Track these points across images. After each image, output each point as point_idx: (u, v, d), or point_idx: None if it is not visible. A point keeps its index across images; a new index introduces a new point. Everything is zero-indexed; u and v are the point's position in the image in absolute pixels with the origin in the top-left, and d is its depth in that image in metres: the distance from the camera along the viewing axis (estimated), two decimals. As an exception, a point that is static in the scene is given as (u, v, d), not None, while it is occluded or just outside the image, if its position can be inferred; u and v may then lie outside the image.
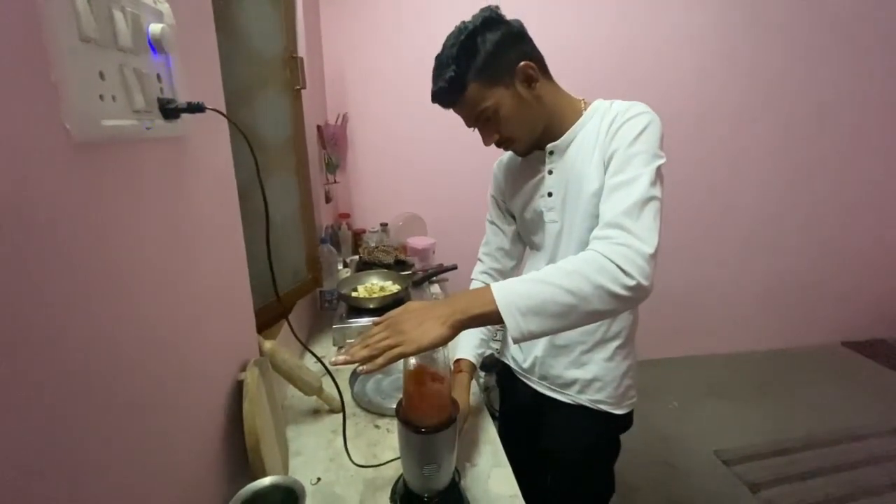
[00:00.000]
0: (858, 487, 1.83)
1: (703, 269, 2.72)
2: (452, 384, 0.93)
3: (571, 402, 0.95)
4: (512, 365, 1.08)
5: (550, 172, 0.88)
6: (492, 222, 1.06)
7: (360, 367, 0.62)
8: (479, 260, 1.10)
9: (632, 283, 0.62)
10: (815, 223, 2.73)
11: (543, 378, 0.99)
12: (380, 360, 0.61)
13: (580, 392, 0.94)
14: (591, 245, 0.68)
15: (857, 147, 2.63)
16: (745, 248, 2.72)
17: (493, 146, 0.88)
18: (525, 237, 1.02)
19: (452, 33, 0.78)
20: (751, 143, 2.54)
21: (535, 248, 0.98)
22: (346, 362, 0.63)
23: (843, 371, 2.68)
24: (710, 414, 2.31)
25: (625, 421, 0.97)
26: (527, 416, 1.04)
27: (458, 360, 0.98)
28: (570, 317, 0.63)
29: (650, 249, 0.64)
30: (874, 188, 2.72)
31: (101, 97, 0.40)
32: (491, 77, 0.78)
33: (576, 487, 1.00)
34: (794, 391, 2.49)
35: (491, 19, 0.77)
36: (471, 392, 0.96)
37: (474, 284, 1.08)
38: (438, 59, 0.80)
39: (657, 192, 0.70)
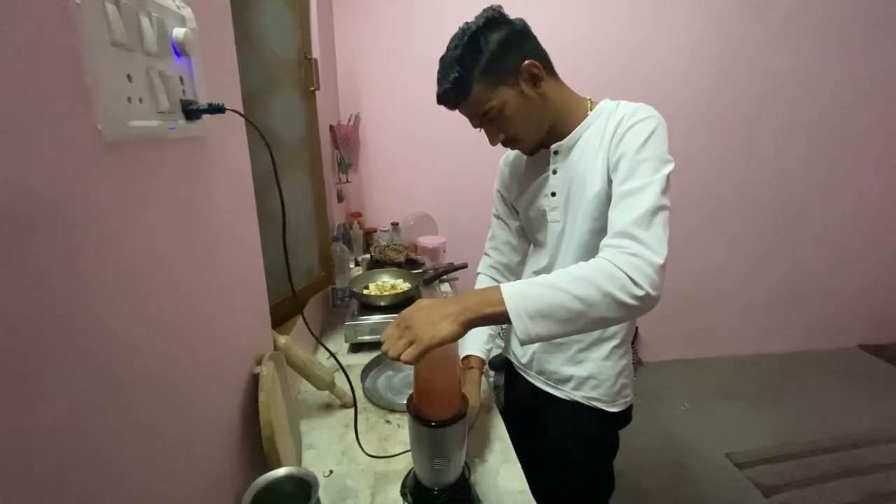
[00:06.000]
0: (874, 492, 1.80)
1: (716, 269, 2.70)
2: (463, 380, 0.94)
3: (566, 398, 0.96)
4: (512, 360, 1.09)
5: (555, 172, 0.88)
6: (498, 217, 1.07)
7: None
8: (486, 254, 1.11)
9: (640, 293, 0.63)
10: (832, 223, 2.69)
11: (541, 373, 1.00)
12: (394, 357, 0.63)
13: (575, 389, 0.95)
14: (601, 253, 0.69)
15: (874, 147, 2.58)
16: (760, 248, 2.69)
17: (499, 145, 0.89)
18: (528, 234, 1.03)
19: (456, 35, 0.79)
20: (765, 143, 2.51)
21: (538, 245, 0.99)
22: None
23: (860, 374, 2.64)
24: (723, 416, 2.29)
25: (621, 418, 0.97)
26: (526, 411, 1.05)
27: (467, 357, 0.99)
28: (577, 322, 0.64)
29: (660, 260, 0.65)
30: (893, 188, 2.66)
31: (128, 99, 0.42)
32: (495, 77, 0.78)
33: (573, 483, 1.01)
34: (808, 394, 2.45)
35: (494, 19, 0.77)
36: (481, 388, 0.97)
37: (480, 279, 1.10)
38: (442, 60, 0.81)
39: (666, 200, 0.71)
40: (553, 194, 0.89)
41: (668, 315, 2.52)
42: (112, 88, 0.39)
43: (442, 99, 0.83)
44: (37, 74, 0.32)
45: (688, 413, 2.33)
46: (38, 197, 0.32)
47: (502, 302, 0.64)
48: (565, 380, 0.95)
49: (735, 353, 2.83)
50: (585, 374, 0.93)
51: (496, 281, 1.07)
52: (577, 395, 0.95)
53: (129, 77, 0.42)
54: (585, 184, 0.82)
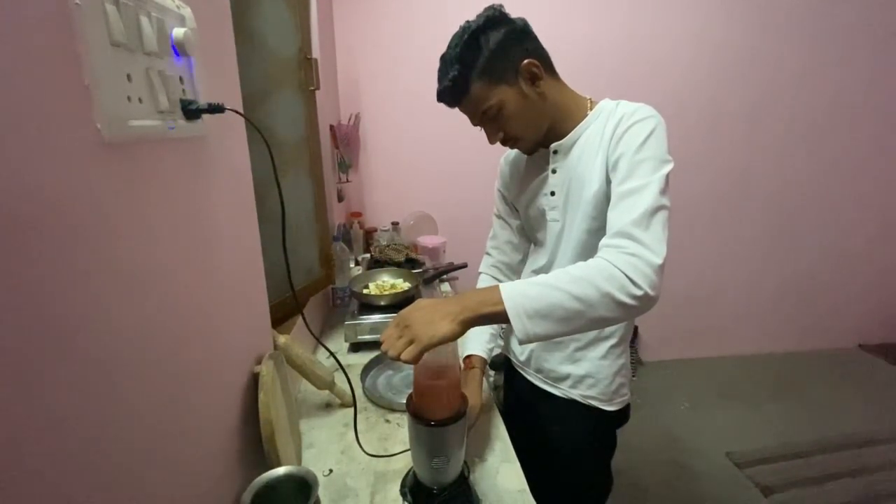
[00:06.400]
0: (873, 492, 1.80)
1: (716, 269, 2.70)
2: (465, 380, 0.95)
3: (564, 395, 0.97)
4: (511, 358, 1.10)
5: (554, 171, 0.89)
6: (499, 216, 1.08)
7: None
8: (487, 253, 1.11)
9: (639, 293, 0.63)
10: (832, 223, 2.68)
11: (539, 371, 1.01)
12: (393, 357, 0.63)
13: (572, 387, 0.95)
14: (600, 253, 0.69)
15: (874, 147, 2.58)
16: (760, 248, 2.69)
17: (499, 144, 0.89)
18: (528, 232, 1.03)
19: (457, 33, 0.79)
20: (766, 143, 2.51)
21: (538, 244, 1.00)
22: None
23: (860, 374, 2.64)
24: (723, 416, 2.29)
25: (618, 417, 0.97)
26: (524, 408, 1.06)
27: (469, 357, 1.00)
28: (575, 322, 0.64)
29: (659, 260, 0.65)
30: (892, 189, 2.66)
31: (128, 99, 0.42)
32: (494, 76, 0.79)
33: (570, 480, 1.01)
34: (808, 394, 2.45)
35: (494, 18, 0.78)
36: (482, 387, 0.97)
37: (482, 278, 1.10)
38: (443, 58, 0.81)
39: (666, 200, 0.71)
40: (552, 193, 0.90)
41: (668, 315, 2.53)
42: (112, 88, 0.39)
43: (442, 96, 0.83)
44: (36, 74, 0.32)
45: (688, 413, 2.33)
46: (38, 196, 0.32)
47: (501, 301, 0.64)
48: (562, 378, 0.96)
49: (735, 352, 2.83)
50: (582, 373, 0.94)
51: (498, 280, 1.08)
52: (574, 394, 0.95)
53: (128, 77, 0.42)
54: (584, 183, 0.82)
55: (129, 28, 0.42)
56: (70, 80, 0.35)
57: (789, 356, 2.82)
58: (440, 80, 0.82)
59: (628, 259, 0.65)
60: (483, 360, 1.00)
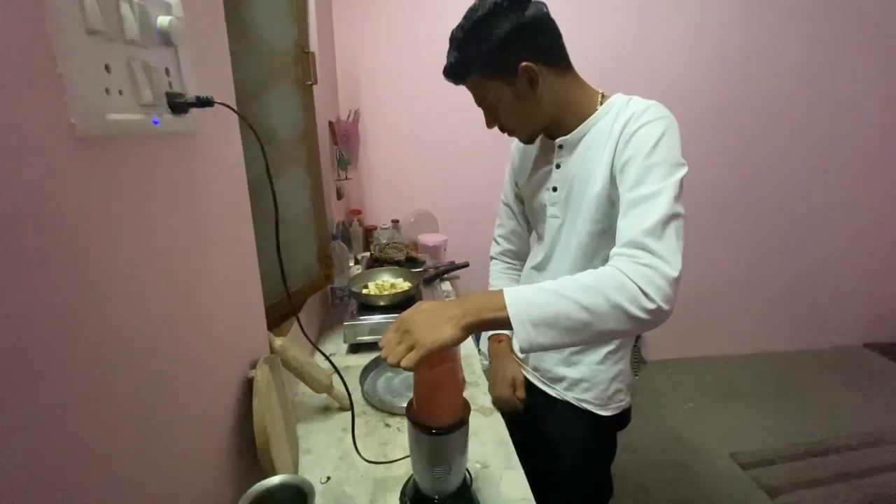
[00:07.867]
0: (880, 493, 1.78)
1: (721, 267, 2.66)
2: (495, 353, 1.03)
3: (559, 396, 0.96)
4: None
5: (558, 167, 0.87)
6: (506, 203, 1.07)
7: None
8: (496, 241, 1.12)
9: (652, 306, 0.60)
10: (837, 222, 2.65)
11: (535, 369, 1.00)
12: (393, 364, 0.60)
13: (567, 389, 0.94)
14: (611, 262, 0.66)
15: (879, 145, 2.54)
16: (764, 246, 2.66)
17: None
18: (532, 224, 1.03)
19: (468, 11, 0.75)
20: (770, 141, 2.48)
21: (538, 237, 1.00)
22: None
23: (866, 373, 2.61)
24: (727, 416, 2.26)
25: (614, 422, 0.95)
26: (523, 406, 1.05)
27: (496, 334, 1.06)
28: (582, 333, 0.61)
29: (675, 273, 0.61)
30: (900, 186, 2.63)
31: (107, 91, 0.39)
32: (492, 71, 0.78)
33: (568, 482, 0.99)
34: (814, 394, 2.42)
35: (502, 6, 0.73)
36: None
37: (494, 264, 1.12)
38: (452, 34, 0.80)
39: (680, 208, 0.67)
40: (554, 189, 0.88)
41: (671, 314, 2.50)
42: (87, 79, 0.36)
43: (445, 73, 0.83)
44: (3, 63, 0.29)
45: (691, 412, 2.31)
46: (5, 197, 0.29)
47: (504, 308, 0.61)
48: (558, 379, 0.95)
49: (739, 352, 2.81)
50: (578, 377, 0.92)
51: (511, 264, 1.11)
52: (569, 396, 0.94)
53: (107, 67, 0.39)
54: (588, 182, 0.80)
55: (108, 15, 0.39)
56: (41, 70, 0.33)
57: (794, 355, 2.80)
58: (447, 56, 0.81)
59: (642, 270, 0.61)
60: (508, 337, 1.05)
